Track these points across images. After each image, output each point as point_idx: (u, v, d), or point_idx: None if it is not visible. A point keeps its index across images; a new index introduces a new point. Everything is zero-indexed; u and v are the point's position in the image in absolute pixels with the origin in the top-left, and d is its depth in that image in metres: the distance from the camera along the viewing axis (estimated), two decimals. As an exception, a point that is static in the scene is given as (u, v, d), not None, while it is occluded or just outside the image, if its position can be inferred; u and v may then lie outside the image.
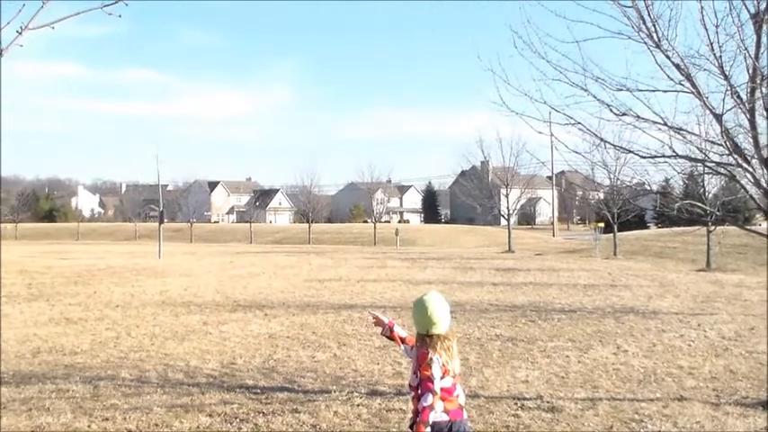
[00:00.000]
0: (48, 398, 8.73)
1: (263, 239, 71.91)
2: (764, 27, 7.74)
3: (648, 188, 11.11)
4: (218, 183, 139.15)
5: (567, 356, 11.09)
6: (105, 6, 5.03)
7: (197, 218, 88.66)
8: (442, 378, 4.54)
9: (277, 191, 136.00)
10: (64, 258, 35.86)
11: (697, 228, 27.65)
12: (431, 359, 4.52)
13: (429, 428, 4.43)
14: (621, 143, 10.66)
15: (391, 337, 5.17)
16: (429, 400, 4.45)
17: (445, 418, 4.56)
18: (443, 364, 4.54)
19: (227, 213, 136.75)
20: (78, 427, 7.57)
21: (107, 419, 7.82)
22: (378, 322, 5.25)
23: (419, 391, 4.54)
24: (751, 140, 8.20)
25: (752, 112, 7.95)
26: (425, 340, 4.62)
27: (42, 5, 4.75)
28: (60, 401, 8.56)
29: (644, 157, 9.22)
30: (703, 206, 13.01)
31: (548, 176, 75.72)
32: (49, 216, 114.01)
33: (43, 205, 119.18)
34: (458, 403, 4.65)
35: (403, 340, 5.10)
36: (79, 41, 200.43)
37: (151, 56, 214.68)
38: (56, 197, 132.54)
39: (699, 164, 9.45)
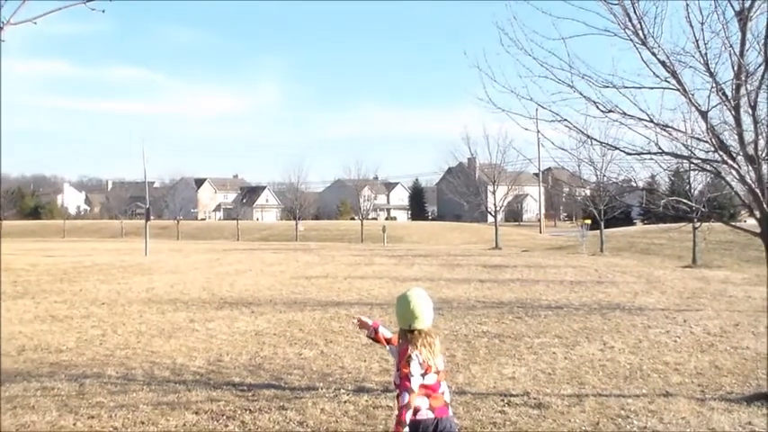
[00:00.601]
0: (33, 396, 8.69)
1: (249, 236, 71.75)
2: (749, 24, 7.77)
3: (635, 185, 11.11)
4: (204, 180, 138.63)
5: (554, 353, 11.12)
6: (88, 1, 5.00)
7: (183, 215, 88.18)
8: (425, 375, 4.51)
9: (264, 188, 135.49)
10: (49, 256, 35.70)
11: (683, 224, 27.70)
12: (410, 356, 4.49)
13: (407, 428, 4.38)
14: (608, 140, 10.65)
15: (376, 339, 5.14)
16: (405, 399, 4.41)
17: (431, 415, 4.54)
18: (424, 361, 4.50)
19: (214, 210, 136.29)
20: (64, 426, 7.54)
21: (93, 417, 7.79)
22: (362, 325, 5.22)
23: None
24: (736, 137, 8.24)
25: (737, 109, 7.99)
26: (407, 336, 4.61)
27: (23, 1, 4.72)
28: (46, 399, 8.52)
29: (630, 154, 9.25)
30: (689, 203, 13.05)
31: (534, 173, 75.76)
32: (35, 213, 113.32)
33: (29, 202, 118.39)
34: (443, 400, 4.63)
35: (388, 341, 5.07)
36: (65, 39, 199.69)
37: (138, 53, 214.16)
38: (41, 194, 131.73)
39: (684, 160, 9.48)
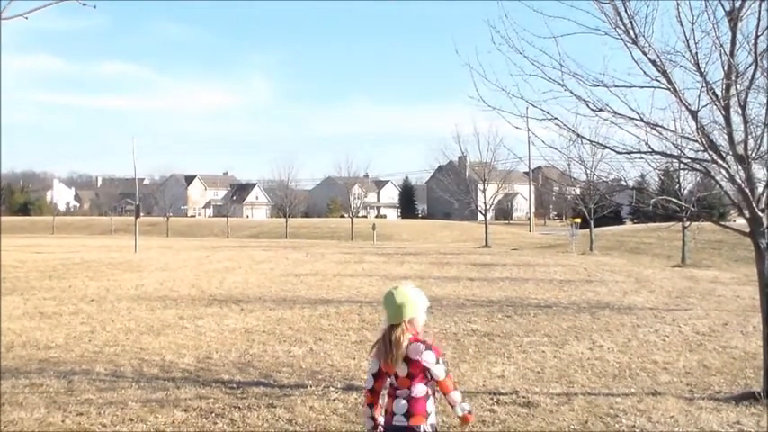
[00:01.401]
0: (21, 392, 8.65)
1: (239, 234, 71.58)
2: (739, 24, 7.79)
3: (624, 184, 11.11)
4: (194, 177, 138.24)
5: (543, 351, 11.14)
6: (80, -4, 4.97)
7: (173, 212, 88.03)
8: (389, 376, 4.45)
9: (254, 185, 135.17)
10: (38, 252, 35.53)
11: (672, 224, 27.83)
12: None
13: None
14: (598, 139, 10.64)
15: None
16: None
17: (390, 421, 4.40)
18: (382, 362, 4.40)
19: (204, 207, 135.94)
20: (52, 422, 7.51)
21: (81, 414, 7.76)
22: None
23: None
24: (726, 137, 8.26)
25: (727, 108, 8.00)
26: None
27: (14, -3, 4.69)
28: (34, 396, 8.48)
29: (620, 153, 9.25)
30: (679, 202, 13.07)
31: (525, 172, 75.74)
32: (24, 210, 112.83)
33: (18, 199, 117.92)
34: (392, 410, 4.42)
35: None
36: (57, 35, 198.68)
37: (129, 49, 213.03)
38: (31, 190, 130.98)
39: (674, 160, 9.50)
